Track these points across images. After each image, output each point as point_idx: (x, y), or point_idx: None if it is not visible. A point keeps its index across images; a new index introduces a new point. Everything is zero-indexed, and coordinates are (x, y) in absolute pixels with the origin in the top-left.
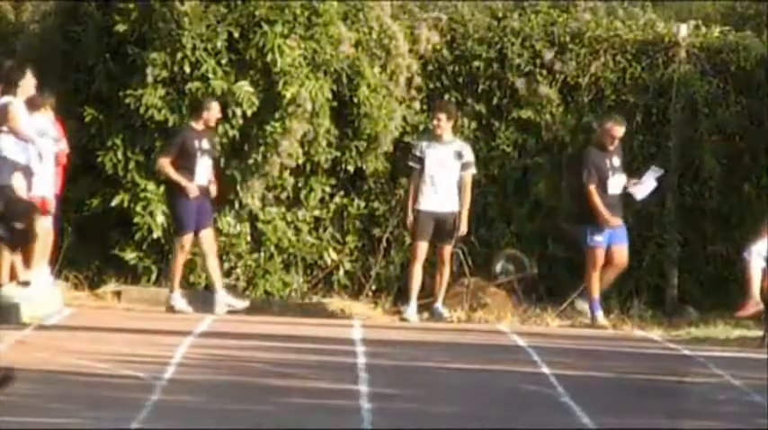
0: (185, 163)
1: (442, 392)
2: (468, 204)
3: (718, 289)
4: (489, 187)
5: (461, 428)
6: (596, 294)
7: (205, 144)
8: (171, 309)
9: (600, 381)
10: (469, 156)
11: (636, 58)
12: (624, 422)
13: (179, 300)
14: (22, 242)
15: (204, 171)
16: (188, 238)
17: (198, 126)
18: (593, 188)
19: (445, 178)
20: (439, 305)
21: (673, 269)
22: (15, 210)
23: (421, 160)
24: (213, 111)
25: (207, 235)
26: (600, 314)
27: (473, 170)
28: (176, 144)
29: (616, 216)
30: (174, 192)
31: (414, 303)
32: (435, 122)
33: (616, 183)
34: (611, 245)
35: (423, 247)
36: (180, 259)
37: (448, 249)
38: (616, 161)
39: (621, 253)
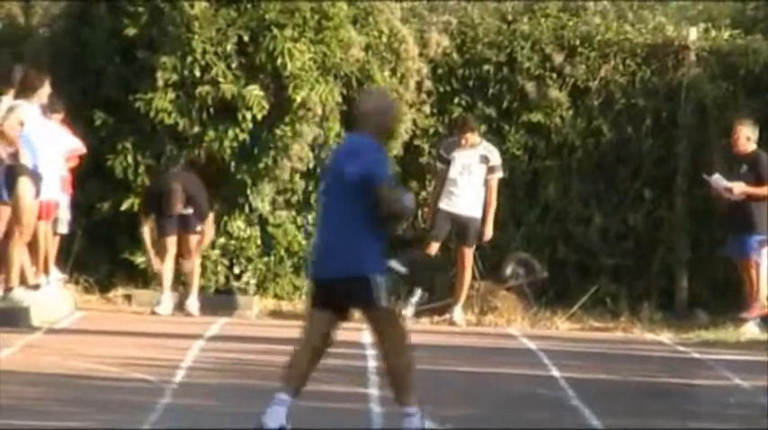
0: None
1: (451, 395)
2: (494, 208)
3: (728, 292)
4: (499, 190)
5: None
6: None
7: None
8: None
9: (609, 384)
10: (496, 160)
11: (645, 62)
12: (633, 424)
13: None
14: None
15: None
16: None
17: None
18: None
19: (470, 181)
20: (457, 308)
21: (682, 272)
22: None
23: (446, 161)
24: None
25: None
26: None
27: (500, 174)
28: None
29: (732, 226)
30: None
31: (416, 299)
32: (463, 141)
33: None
34: None
35: (434, 247)
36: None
37: (467, 252)
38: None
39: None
